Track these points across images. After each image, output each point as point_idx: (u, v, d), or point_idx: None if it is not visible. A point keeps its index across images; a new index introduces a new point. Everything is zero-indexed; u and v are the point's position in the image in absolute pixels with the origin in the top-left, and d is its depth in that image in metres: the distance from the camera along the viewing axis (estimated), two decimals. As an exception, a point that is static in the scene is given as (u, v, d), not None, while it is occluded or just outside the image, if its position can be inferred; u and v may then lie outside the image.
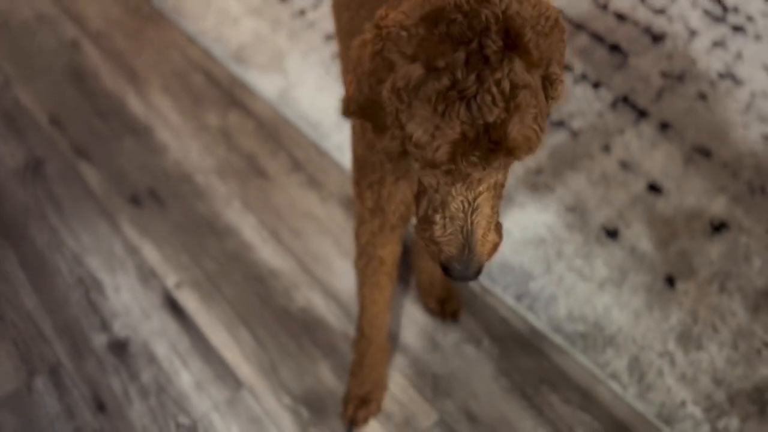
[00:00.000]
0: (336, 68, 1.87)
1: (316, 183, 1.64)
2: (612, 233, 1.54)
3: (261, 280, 1.47)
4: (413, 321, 1.40)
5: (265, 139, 1.73)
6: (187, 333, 1.39)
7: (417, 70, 0.66)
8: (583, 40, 1.99)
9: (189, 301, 1.44)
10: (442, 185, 0.71)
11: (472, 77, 0.63)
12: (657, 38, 1.99)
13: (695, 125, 1.76)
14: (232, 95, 1.83)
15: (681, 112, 1.80)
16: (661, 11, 2.07)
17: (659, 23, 2.03)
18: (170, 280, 1.47)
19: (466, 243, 0.72)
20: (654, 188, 1.62)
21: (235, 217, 1.58)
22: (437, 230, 0.73)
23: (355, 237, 1.08)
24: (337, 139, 1.71)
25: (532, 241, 1.52)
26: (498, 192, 0.74)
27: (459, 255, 0.73)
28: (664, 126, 1.76)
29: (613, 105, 1.82)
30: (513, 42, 0.66)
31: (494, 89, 0.63)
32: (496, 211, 0.74)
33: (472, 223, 0.72)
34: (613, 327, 1.39)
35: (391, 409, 1.28)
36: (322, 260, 1.50)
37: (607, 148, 1.71)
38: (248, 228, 1.56)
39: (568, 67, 1.91)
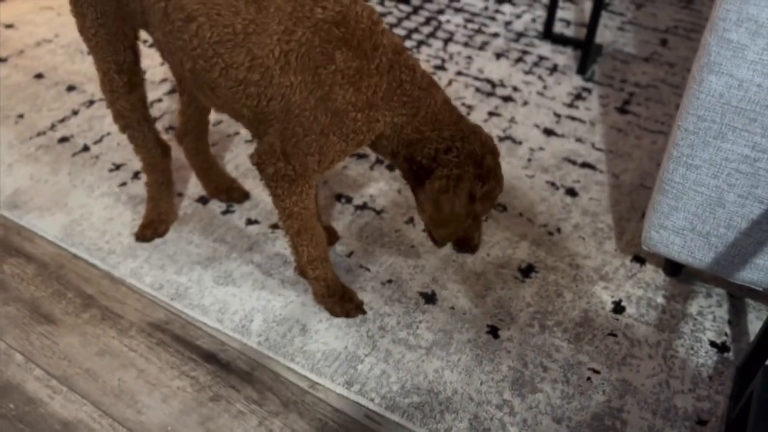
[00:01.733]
0: (125, 196, 1.77)
1: (111, 316, 1.48)
2: (430, 298, 1.52)
3: (52, 438, 1.25)
4: (237, 438, 1.25)
5: (48, 282, 1.55)
6: None
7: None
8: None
9: (-41, 485, 1.18)
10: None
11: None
12: (439, 117, 2.12)
13: (487, 185, 1.85)
14: (7, 244, 1.65)
15: (473, 176, 1.89)
16: (438, 94, 2.22)
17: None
18: (-67, 466, 1.21)
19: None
20: (461, 248, 1.65)
21: (17, 372, 1.36)
22: (476, 238, 1.37)
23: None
24: (133, 264, 1.58)
25: (353, 322, 1.46)
26: None
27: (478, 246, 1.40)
28: (460, 191, 1.83)
29: (411, 181, 1.87)
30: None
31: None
32: None
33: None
34: (447, 390, 1.33)
35: None
36: (126, 397, 1.32)
37: (411, 220, 1.73)
38: (33, 381, 1.34)
39: (364, 155, 1.96)
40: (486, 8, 2.82)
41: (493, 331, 1.45)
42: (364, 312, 1.47)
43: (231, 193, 1.76)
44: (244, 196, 1.77)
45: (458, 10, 2.79)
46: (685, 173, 1.25)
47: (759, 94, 1.09)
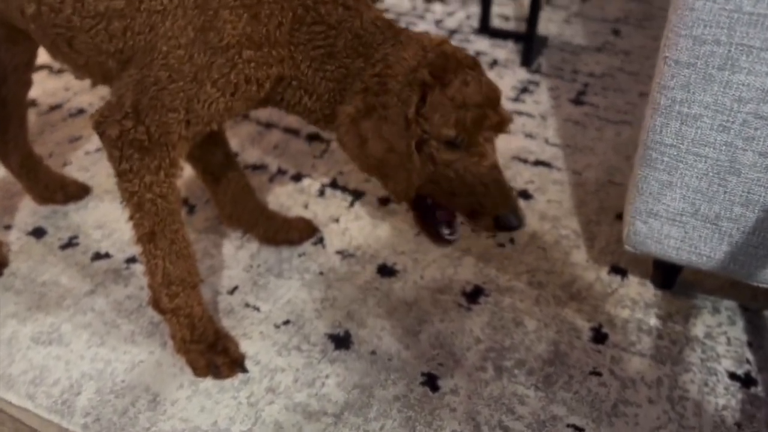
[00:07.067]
0: (-67, 233, 1.31)
1: None
2: (342, 341, 1.09)
3: None
4: None
5: None
6: None
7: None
8: (275, 136, 1.67)
9: None
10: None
11: None
12: (358, 119, 1.74)
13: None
14: None
15: (400, 183, 1.49)
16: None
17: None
18: None
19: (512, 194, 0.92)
20: (386, 271, 1.24)
21: None
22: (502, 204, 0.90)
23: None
24: None
25: (230, 385, 1.01)
26: None
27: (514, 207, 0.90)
28: (385, 201, 1.43)
29: (321, 193, 1.46)
30: None
31: None
32: None
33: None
34: (364, 477, 0.89)
35: None
36: None
37: (320, 241, 1.31)
38: None
39: (264, 166, 1.55)
40: (414, 8, 2.49)
41: (431, 381, 1.02)
42: (244, 370, 1.03)
43: (66, 189, 1.39)
44: (83, 189, 1.42)
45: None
46: (679, 129, 0.86)
47: (787, -14, 0.72)
